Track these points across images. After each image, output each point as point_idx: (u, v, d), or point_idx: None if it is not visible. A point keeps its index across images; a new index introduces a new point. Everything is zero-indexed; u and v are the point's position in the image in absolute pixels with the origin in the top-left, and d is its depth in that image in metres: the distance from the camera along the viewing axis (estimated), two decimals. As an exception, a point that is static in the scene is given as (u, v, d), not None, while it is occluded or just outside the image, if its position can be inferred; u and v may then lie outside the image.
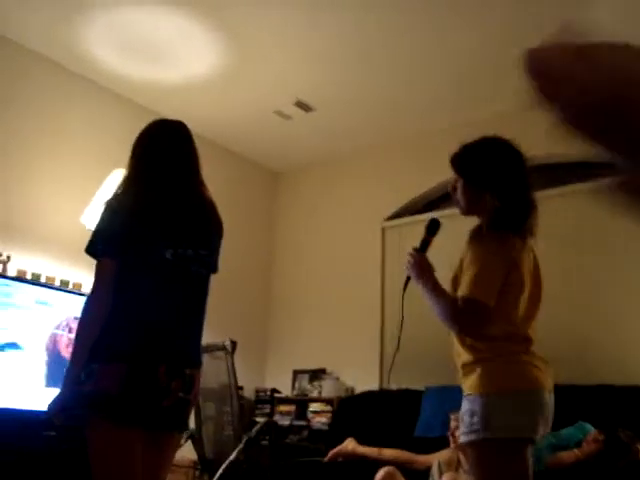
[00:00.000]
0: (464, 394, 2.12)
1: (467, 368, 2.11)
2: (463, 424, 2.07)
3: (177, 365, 2.11)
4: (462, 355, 2.15)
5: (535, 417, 2.03)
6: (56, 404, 2.05)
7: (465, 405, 2.08)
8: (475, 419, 2.00)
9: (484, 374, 2.04)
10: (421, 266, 2.24)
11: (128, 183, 2.24)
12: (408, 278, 2.33)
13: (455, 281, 2.19)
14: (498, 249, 2.11)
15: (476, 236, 2.18)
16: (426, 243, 2.33)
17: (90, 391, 2.00)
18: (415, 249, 2.31)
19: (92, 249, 2.13)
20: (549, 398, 2.09)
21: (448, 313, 2.10)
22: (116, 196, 2.21)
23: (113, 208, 2.16)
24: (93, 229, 2.19)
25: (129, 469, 2.01)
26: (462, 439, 2.08)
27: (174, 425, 2.17)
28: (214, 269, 2.34)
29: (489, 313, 2.05)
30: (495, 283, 2.06)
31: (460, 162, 2.30)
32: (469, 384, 2.09)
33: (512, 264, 2.11)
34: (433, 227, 2.35)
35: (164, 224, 2.17)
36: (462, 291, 2.07)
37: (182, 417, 2.18)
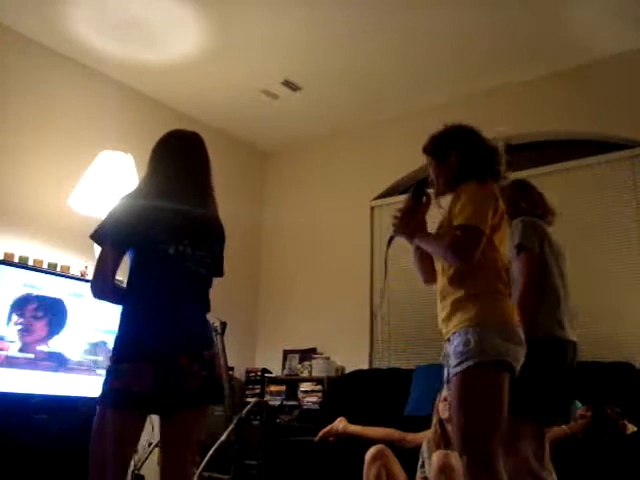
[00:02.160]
0: (453, 331, 2.31)
1: (457, 304, 2.32)
2: (455, 355, 2.25)
3: (195, 351, 2.24)
4: (451, 294, 2.35)
5: (518, 348, 2.27)
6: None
7: (457, 339, 2.27)
8: (471, 346, 2.20)
9: (476, 308, 2.27)
10: (410, 226, 2.54)
11: (143, 183, 2.43)
12: (391, 237, 2.62)
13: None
14: (484, 191, 2.38)
15: (459, 190, 2.42)
16: (420, 192, 2.62)
17: (117, 388, 2.15)
18: (401, 210, 2.59)
19: (95, 235, 2.33)
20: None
21: (446, 244, 2.33)
22: (131, 193, 2.40)
23: (125, 203, 2.34)
24: (103, 218, 2.35)
25: (119, 446, 2.19)
26: (456, 369, 2.24)
27: (203, 400, 2.28)
28: (218, 272, 2.48)
29: (482, 238, 2.28)
30: (487, 215, 2.32)
31: (428, 148, 2.64)
32: (462, 318, 2.28)
33: (495, 203, 2.38)
34: (420, 188, 2.64)
35: (168, 224, 2.31)
36: (458, 221, 2.31)
37: (213, 391, 2.29)
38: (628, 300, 4.40)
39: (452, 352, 2.29)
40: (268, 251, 6.48)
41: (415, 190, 2.64)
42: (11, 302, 3.81)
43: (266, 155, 6.75)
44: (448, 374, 2.35)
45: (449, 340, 2.34)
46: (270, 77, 5.27)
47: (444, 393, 3.69)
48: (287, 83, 5.33)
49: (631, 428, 3.43)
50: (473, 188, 2.38)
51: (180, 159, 2.45)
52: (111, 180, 4.39)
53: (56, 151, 4.75)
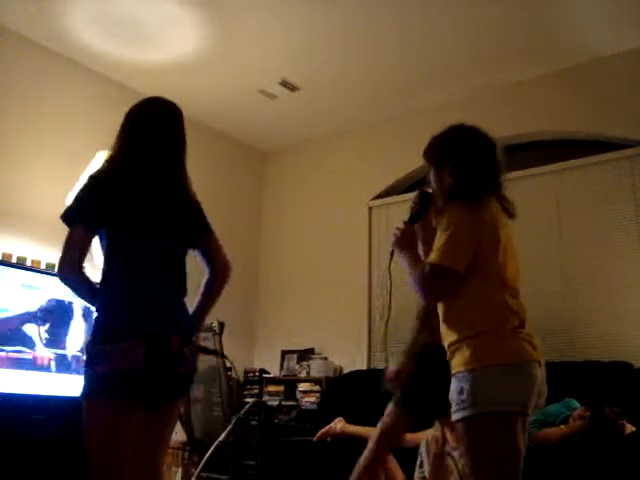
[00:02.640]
0: (452, 373, 2.12)
1: (453, 347, 2.12)
2: (453, 402, 2.06)
3: (186, 333, 2.16)
4: (448, 336, 2.15)
5: (524, 390, 2.02)
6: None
7: (453, 384, 2.08)
8: (464, 396, 2.00)
9: (470, 351, 2.04)
10: (409, 237, 2.33)
11: (113, 157, 2.24)
12: (392, 252, 2.38)
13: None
14: (466, 217, 2.12)
15: (444, 210, 2.20)
16: (418, 214, 2.36)
17: (104, 373, 1.98)
18: (404, 222, 2.36)
19: (66, 216, 2.16)
20: (539, 371, 2.09)
21: (416, 280, 2.17)
22: (100, 170, 2.22)
23: (95, 180, 2.17)
24: (73, 197, 2.18)
25: (126, 443, 2.03)
26: (454, 416, 2.06)
27: (183, 391, 2.23)
28: (206, 229, 2.38)
29: (455, 277, 2.08)
30: (463, 249, 2.09)
31: (427, 152, 2.40)
32: (456, 362, 2.09)
33: (481, 230, 2.12)
34: (425, 199, 2.37)
35: (146, 203, 2.18)
36: (429, 258, 2.13)
37: (190, 382, 2.22)
38: (627, 300, 4.40)
39: (452, 393, 2.09)
40: (266, 252, 6.48)
41: (421, 199, 2.39)
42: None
43: (264, 155, 6.74)
44: None
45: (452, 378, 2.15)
46: (268, 77, 5.27)
47: None
48: (285, 83, 5.32)
49: (630, 428, 3.42)
50: (454, 214, 2.14)
51: (158, 132, 2.29)
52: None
53: (54, 151, 4.74)
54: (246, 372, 5.92)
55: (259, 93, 5.47)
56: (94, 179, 2.18)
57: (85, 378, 2.03)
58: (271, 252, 6.43)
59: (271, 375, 5.81)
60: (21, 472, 3.55)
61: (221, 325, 4.28)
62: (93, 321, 2.11)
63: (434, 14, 4.36)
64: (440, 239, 2.11)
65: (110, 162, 2.23)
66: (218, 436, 4.03)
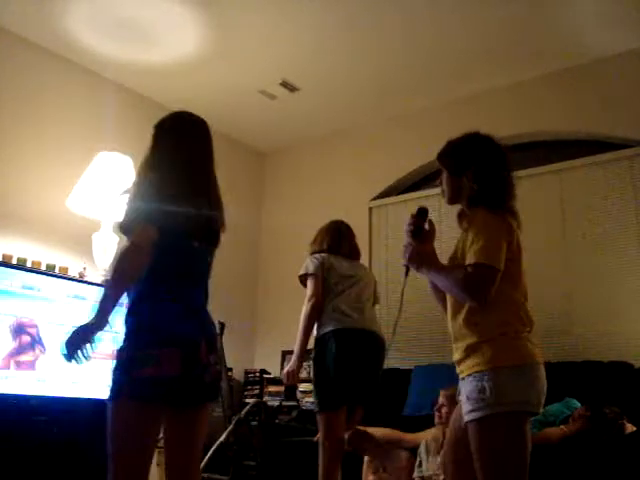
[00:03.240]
0: (466, 374, 2.20)
1: (472, 347, 2.20)
2: (470, 402, 2.14)
3: (212, 341, 2.27)
4: (467, 336, 2.23)
5: (539, 392, 2.16)
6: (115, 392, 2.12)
7: (470, 384, 2.16)
8: (487, 394, 2.09)
9: (492, 351, 2.14)
10: (420, 255, 2.38)
11: (158, 169, 2.31)
12: (407, 267, 2.45)
13: (454, 262, 2.33)
14: (496, 220, 2.26)
15: (472, 215, 2.33)
16: (419, 230, 2.43)
17: (150, 376, 2.07)
18: (410, 238, 2.43)
19: (126, 223, 2.19)
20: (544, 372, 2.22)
21: (458, 282, 2.21)
22: (147, 180, 2.28)
23: (148, 191, 2.22)
24: (126, 209, 2.24)
25: (151, 445, 2.14)
26: (471, 416, 2.13)
27: (213, 396, 2.32)
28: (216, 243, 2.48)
29: (497, 276, 2.16)
30: (501, 249, 2.19)
31: (443, 156, 2.49)
32: (475, 362, 2.17)
33: (510, 234, 2.26)
34: (422, 214, 2.46)
35: (197, 217, 2.30)
36: (470, 260, 2.18)
37: (218, 387, 2.32)
38: (627, 300, 4.40)
39: (466, 396, 2.18)
40: (267, 252, 6.48)
41: (419, 215, 2.47)
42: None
43: (264, 156, 6.75)
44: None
45: (463, 379, 2.24)
46: (268, 78, 5.27)
47: (442, 399, 3.71)
48: (285, 84, 5.33)
49: (630, 428, 3.42)
50: (484, 218, 2.26)
51: (198, 148, 2.43)
52: (109, 181, 4.39)
53: (54, 152, 4.74)
54: (246, 372, 5.92)
55: (259, 93, 5.47)
56: (149, 184, 2.25)
57: (118, 380, 2.11)
58: (271, 253, 6.42)
59: (272, 375, 5.81)
60: (23, 473, 3.56)
61: (222, 326, 4.28)
62: (130, 326, 2.19)
63: (434, 15, 4.36)
64: (478, 241, 2.19)
65: (156, 171, 2.30)
66: (219, 436, 4.03)
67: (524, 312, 2.24)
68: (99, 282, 4.36)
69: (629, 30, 4.46)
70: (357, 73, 5.16)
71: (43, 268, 4.22)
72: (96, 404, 3.99)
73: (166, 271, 2.22)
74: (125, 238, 2.20)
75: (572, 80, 4.93)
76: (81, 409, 3.95)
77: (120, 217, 2.27)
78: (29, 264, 4.17)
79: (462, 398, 2.23)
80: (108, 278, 2.16)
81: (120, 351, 2.16)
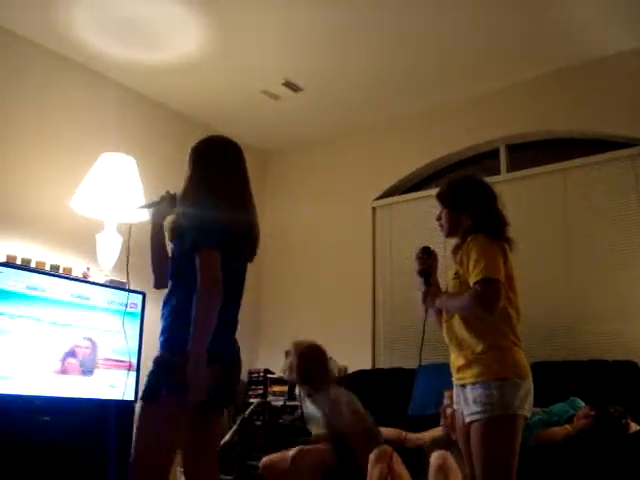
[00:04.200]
0: (470, 382, 2.52)
1: (478, 356, 2.50)
2: (477, 405, 2.47)
3: (239, 355, 2.47)
4: (472, 345, 2.54)
5: (530, 399, 2.50)
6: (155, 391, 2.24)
7: (476, 390, 2.48)
8: (494, 399, 2.41)
9: (497, 362, 2.46)
10: (432, 296, 2.74)
11: (205, 189, 2.41)
12: (427, 310, 2.82)
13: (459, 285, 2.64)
14: (493, 243, 2.57)
15: (468, 242, 2.62)
16: (428, 274, 2.81)
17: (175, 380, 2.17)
18: (422, 281, 2.81)
19: (206, 240, 2.27)
20: None
21: (469, 300, 2.49)
22: (199, 197, 2.38)
23: (204, 207, 2.34)
24: (190, 225, 2.32)
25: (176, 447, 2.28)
26: (477, 417, 2.46)
27: (232, 401, 2.48)
28: None
29: (502, 288, 2.46)
30: (500, 265, 2.51)
31: (443, 195, 2.83)
32: (481, 371, 2.48)
33: (504, 256, 2.58)
34: (427, 253, 2.85)
35: (242, 237, 2.44)
36: (476, 277, 2.47)
37: (236, 392, 2.50)
38: (631, 299, 4.39)
39: (472, 400, 2.49)
40: (270, 252, 6.46)
41: (423, 254, 2.86)
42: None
43: (267, 156, 6.75)
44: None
45: (463, 386, 2.56)
46: (271, 78, 5.27)
47: (447, 400, 3.72)
48: (288, 84, 5.32)
49: (634, 427, 3.42)
50: (483, 241, 2.57)
51: (240, 170, 2.56)
52: (113, 182, 4.40)
53: (58, 153, 4.75)
54: (250, 372, 5.92)
55: (262, 94, 5.47)
56: (211, 203, 2.35)
57: (160, 382, 2.21)
58: (275, 253, 6.41)
59: (275, 375, 5.81)
60: (27, 473, 3.56)
61: (225, 326, 4.28)
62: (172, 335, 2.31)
63: (435, 15, 4.35)
64: (479, 261, 2.49)
65: (208, 191, 2.40)
66: (223, 436, 4.03)
67: (517, 327, 2.57)
68: (103, 282, 4.37)
69: (632, 29, 4.45)
70: (360, 73, 5.15)
71: (47, 269, 4.23)
72: (99, 404, 4.02)
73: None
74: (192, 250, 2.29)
75: (571, 79, 4.92)
76: (84, 409, 3.95)
77: (185, 237, 2.32)
78: (33, 265, 4.17)
79: (461, 402, 2.58)
80: (198, 327, 2.20)
81: (157, 356, 2.29)
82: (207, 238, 2.26)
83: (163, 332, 2.32)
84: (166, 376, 2.19)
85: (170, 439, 2.19)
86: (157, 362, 2.26)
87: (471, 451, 2.53)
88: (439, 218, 2.83)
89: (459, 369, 2.59)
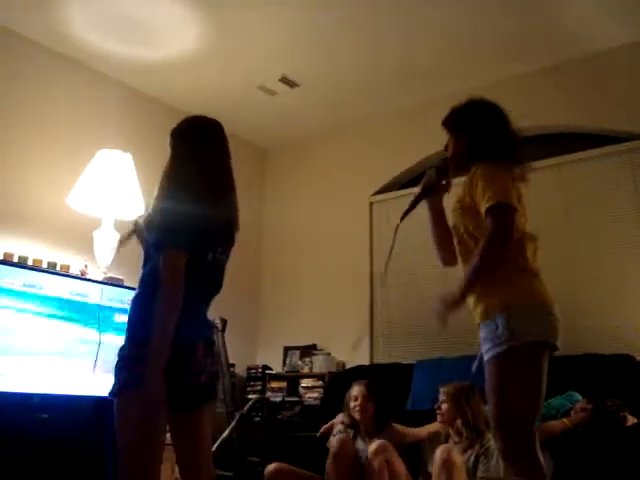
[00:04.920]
0: (480, 319, 2.32)
1: (485, 288, 2.30)
2: (486, 343, 2.27)
3: (210, 342, 2.35)
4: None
5: (552, 325, 2.27)
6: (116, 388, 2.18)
7: (488, 326, 2.27)
8: (499, 332, 2.21)
9: (506, 291, 2.27)
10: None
11: (180, 180, 2.33)
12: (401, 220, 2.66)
13: (461, 204, 2.46)
14: (501, 169, 2.38)
15: (475, 168, 2.42)
16: (429, 190, 2.68)
17: (140, 373, 2.09)
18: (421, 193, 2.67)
19: (169, 240, 2.21)
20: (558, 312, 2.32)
21: (487, 245, 2.27)
22: (172, 190, 2.30)
23: (175, 201, 2.26)
24: (157, 222, 2.25)
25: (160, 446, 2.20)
26: (488, 354, 2.25)
27: (210, 396, 2.36)
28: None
29: (514, 214, 2.29)
30: (510, 188, 2.32)
31: (447, 120, 2.66)
32: (490, 303, 2.29)
33: (511, 179, 2.38)
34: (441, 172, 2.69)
35: (215, 231, 2.34)
36: (488, 203, 2.27)
37: (216, 387, 2.39)
38: (628, 292, 4.40)
39: (483, 339, 2.30)
40: (268, 248, 6.48)
41: (435, 174, 2.69)
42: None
43: (265, 152, 6.74)
44: (480, 361, 2.35)
45: (479, 326, 2.35)
46: (267, 74, 5.27)
47: (442, 396, 3.72)
48: (285, 80, 5.32)
49: (632, 420, 3.43)
50: (487, 167, 2.38)
51: (213, 151, 2.48)
52: (110, 179, 4.39)
53: (55, 150, 4.74)
54: (249, 369, 5.93)
55: (259, 89, 5.47)
56: (173, 200, 2.26)
57: (125, 376, 2.15)
58: (273, 249, 6.43)
59: (274, 371, 5.82)
60: (25, 470, 3.57)
61: (223, 322, 4.28)
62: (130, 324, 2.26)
63: (433, 9, 4.36)
64: (488, 186, 2.30)
65: (177, 183, 2.32)
66: (222, 433, 4.03)
67: (533, 252, 2.39)
68: (100, 279, 4.36)
69: (626, 24, 4.45)
70: (357, 68, 5.15)
71: (44, 266, 4.22)
72: (97, 402, 4.02)
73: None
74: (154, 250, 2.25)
75: (569, 74, 4.93)
76: (82, 407, 3.96)
77: (151, 233, 2.27)
78: (30, 262, 4.17)
79: (481, 345, 2.33)
80: (156, 335, 2.13)
81: (122, 350, 2.21)
82: (171, 238, 2.19)
83: (127, 323, 2.27)
84: (129, 370, 2.14)
85: (147, 429, 2.13)
86: (120, 355, 2.21)
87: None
88: (446, 148, 2.66)
89: (472, 306, 2.38)
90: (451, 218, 2.57)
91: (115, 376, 2.18)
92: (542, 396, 2.23)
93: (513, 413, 2.20)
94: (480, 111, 2.60)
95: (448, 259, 2.65)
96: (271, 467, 3.81)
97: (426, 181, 2.69)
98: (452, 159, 2.61)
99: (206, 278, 2.34)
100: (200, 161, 2.39)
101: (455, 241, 2.55)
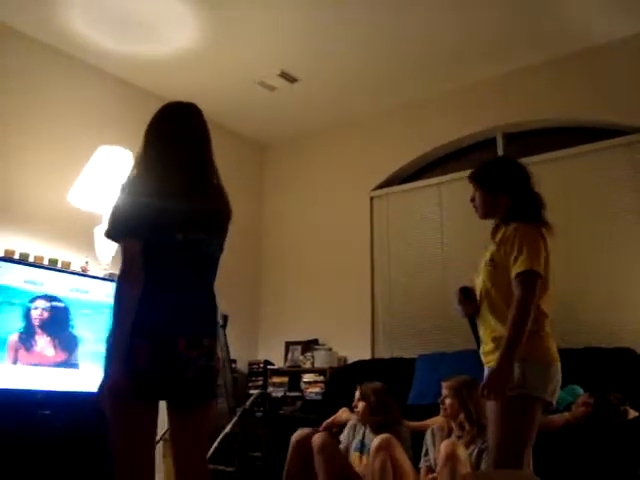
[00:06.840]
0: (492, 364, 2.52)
1: (500, 341, 2.50)
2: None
3: (196, 337, 2.20)
4: (497, 330, 2.57)
5: (557, 385, 2.55)
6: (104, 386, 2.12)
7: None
8: (515, 375, 2.43)
9: (525, 346, 2.45)
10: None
11: (143, 166, 2.29)
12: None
13: (492, 265, 2.66)
14: (535, 233, 2.61)
15: (508, 229, 2.64)
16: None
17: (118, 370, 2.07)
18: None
19: (113, 232, 2.20)
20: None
21: (519, 309, 2.48)
22: (132, 179, 2.27)
23: (131, 190, 2.22)
24: (111, 212, 2.23)
25: (146, 441, 2.15)
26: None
27: (201, 394, 2.25)
28: (221, 250, 2.42)
29: (539, 280, 2.52)
30: (541, 256, 2.56)
31: (478, 176, 2.82)
32: None
33: (545, 247, 2.61)
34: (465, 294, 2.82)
35: (177, 210, 2.24)
36: (519, 268, 2.51)
37: (209, 385, 2.26)
38: (629, 286, 4.40)
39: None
40: (269, 244, 6.49)
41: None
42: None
43: (264, 147, 6.74)
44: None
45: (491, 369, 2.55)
46: (267, 69, 5.25)
47: (445, 391, 3.72)
48: (284, 75, 5.31)
49: (633, 413, 3.44)
50: (524, 231, 2.59)
51: (180, 136, 2.35)
52: (110, 175, 4.39)
53: (55, 147, 4.74)
54: (250, 364, 5.94)
55: (258, 85, 5.46)
56: (128, 189, 2.23)
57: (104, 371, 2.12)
58: (274, 244, 6.43)
59: (275, 366, 5.83)
60: (28, 467, 3.57)
61: (225, 318, 4.29)
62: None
63: (435, 5, 4.34)
64: (522, 251, 2.53)
65: (140, 170, 2.29)
66: (224, 428, 4.04)
67: (548, 318, 2.63)
68: (102, 276, 4.37)
69: (628, 16, 4.44)
70: (356, 63, 5.14)
71: (46, 263, 4.23)
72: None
73: (150, 271, 2.16)
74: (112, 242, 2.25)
75: (569, 67, 4.91)
76: (85, 403, 3.96)
77: (106, 222, 2.25)
78: (31, 259, 4.18)
79: None
80: (112, 323, 2.11)
81: (107, 341, 2.15)
82: (121, 228, 2.17)
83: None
84: (105, 365, 2.12)
85: (122, 424, 2.10)
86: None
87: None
88: (473, 199, 2.81)
89: (487, 354, 2.62)
90: (482, 273, 2.73)
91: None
92: (532, 438, 2.51)
93: (507, 444, 2.49)
94: (516, 171, 2.78)
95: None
96: (317, 439, 3.77)
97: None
98: (481, 209, 2.79)
99: (181, 259, 2.24)
100: (165, 146, 2.32)
101: (478, 293, 2.75)
